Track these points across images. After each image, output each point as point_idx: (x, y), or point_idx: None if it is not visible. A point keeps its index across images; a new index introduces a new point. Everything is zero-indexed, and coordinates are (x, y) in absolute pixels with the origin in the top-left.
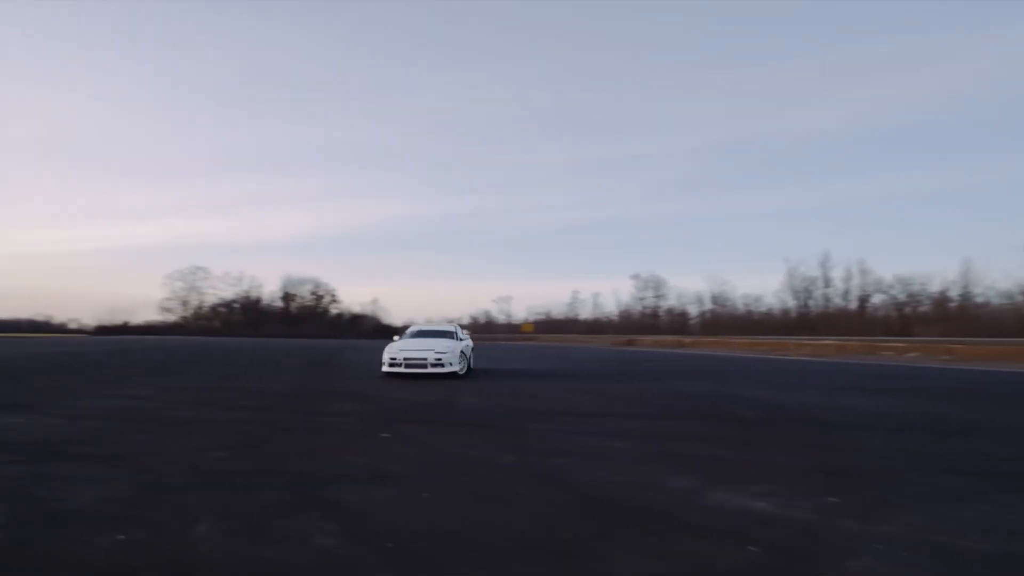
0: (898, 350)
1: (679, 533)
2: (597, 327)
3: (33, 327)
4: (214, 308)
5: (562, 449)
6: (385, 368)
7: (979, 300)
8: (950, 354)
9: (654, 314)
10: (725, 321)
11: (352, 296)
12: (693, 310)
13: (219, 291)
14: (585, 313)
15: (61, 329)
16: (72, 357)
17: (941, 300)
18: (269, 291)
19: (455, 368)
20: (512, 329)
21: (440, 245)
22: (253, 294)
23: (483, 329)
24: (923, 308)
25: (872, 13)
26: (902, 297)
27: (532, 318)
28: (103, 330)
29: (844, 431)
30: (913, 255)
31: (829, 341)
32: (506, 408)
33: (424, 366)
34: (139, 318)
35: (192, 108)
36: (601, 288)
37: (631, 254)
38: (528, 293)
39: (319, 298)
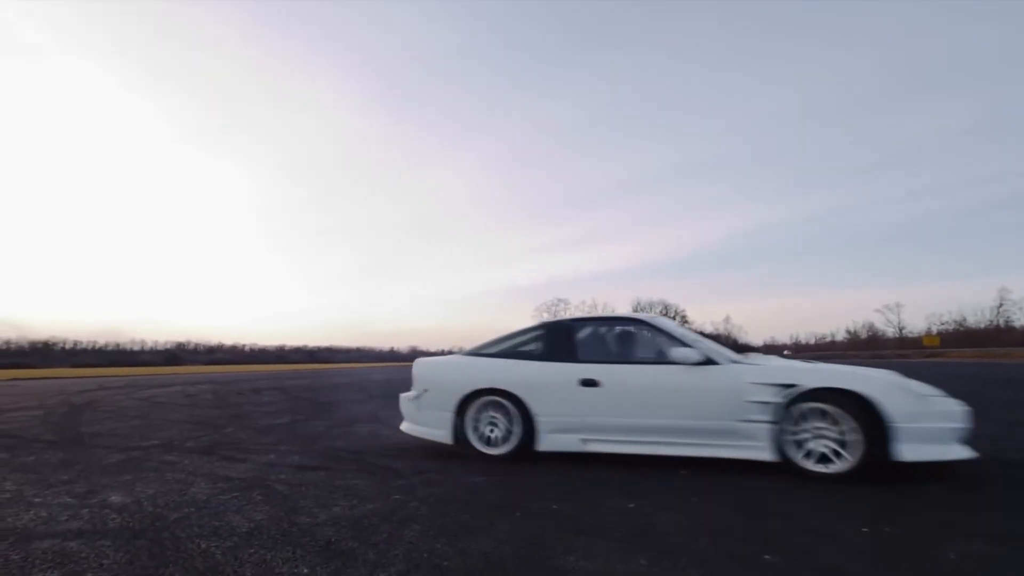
0: None
1: None
2: None
3: None
4: None
5: None
6: None
7: None
8: None
9: None
10: None
11: (703, 315)
12: None
13: None
14: (1021, 318)
15: None
16: None
17: None
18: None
19: None
20: (908, 344)
21: (800, 253)
22: None
23: (865, 345)
24: None
25: None
26: None
27: (936, 328)
28: None
29: None
30: None
31: None
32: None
33: None
34: None
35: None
36: None
37: None
38: (926, 297)
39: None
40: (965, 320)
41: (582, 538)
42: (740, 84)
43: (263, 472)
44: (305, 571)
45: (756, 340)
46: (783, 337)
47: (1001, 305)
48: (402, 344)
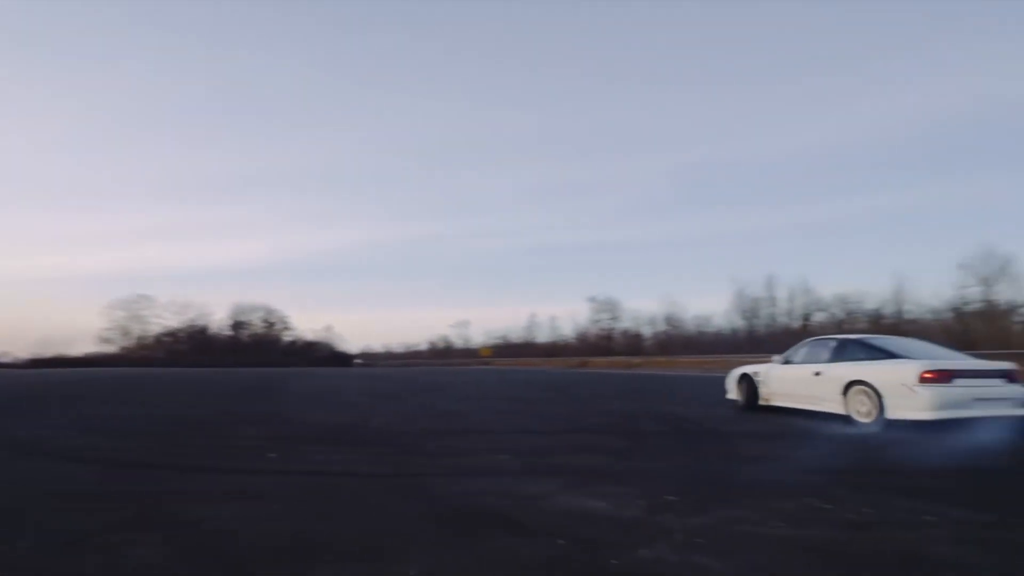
0: None
1: (506, 530)
2: (554, 350)
3: None
4: (158, 338)
5: (450, 465)
6: None
7: (909, 317)
8: None
9: (609, 336)
10: (677, 341)
11: (305, 323)
12: (647, 331)
13: (164, 320)
14: (542, 336)
15: None
16: None
17: (875, 317)
18: (218, 319)
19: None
20: (470, 354)
21: (396, 271)
22: (200, 322)
23: (441, 354)
24: (860, 325)
25: (822, 44)
26: (841, 315)
27: (490, 342)
28: (37, 363)
29: (727, 438)
30: (851, 275)
31: (777, 359)
32: (416, 428)
33: None
34: (77, 349)
35: (133, 132)
36: (558, 311)
37: (587, 278)
38: (486, 318)
39: (270, 326)
40: (508, 336)
41: None
42: (397, 106)
43: None
44: None
45: (354, 348)
46: (377, 346)
47: (530, 325)
48: None
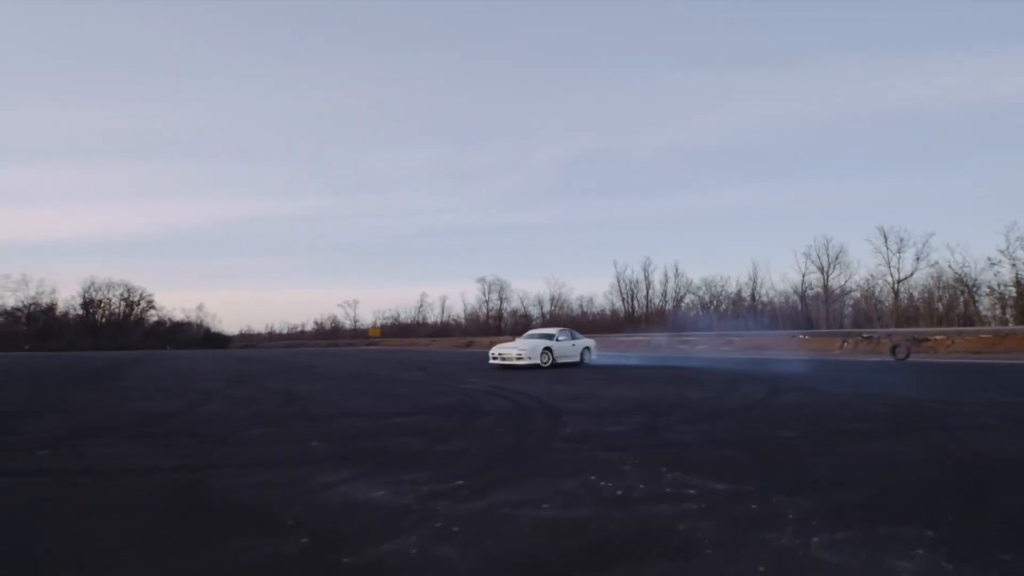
0: (692, 342)
1: (255, 528)
2: (444, 330)
3: None
4: None
5: (253, 455)
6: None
7: (764, 299)
8: (730, 344)
9: (498, 316)
10: (563, 321)
11: (174, 303)
12: (534, 311)
13: None
14: (433, 317)
15: None
16: None
17: (736, 299)
18: (66, 297)
19: (535, 360)
20: (359, 334)
21: (277, 249)
22: (43, 301)
23: (328, 335)
24: (722, 307)
25: (712, 42)
26: (707, 297)
27: (380, 322)
28: None
29: (558, 415)
30: (716, 260)
31: (640, 337)
32: (246, 414)
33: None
34: None
35: None
36: (449, 292)
37: (478, 259)
38: (377, 298)
39: (131, 305)
40: (399, 316)
41: None
42: (287, 77)
43: None
44: None
45: (232, 329)
46: (259, 327)
47: (421, 306)
48: None
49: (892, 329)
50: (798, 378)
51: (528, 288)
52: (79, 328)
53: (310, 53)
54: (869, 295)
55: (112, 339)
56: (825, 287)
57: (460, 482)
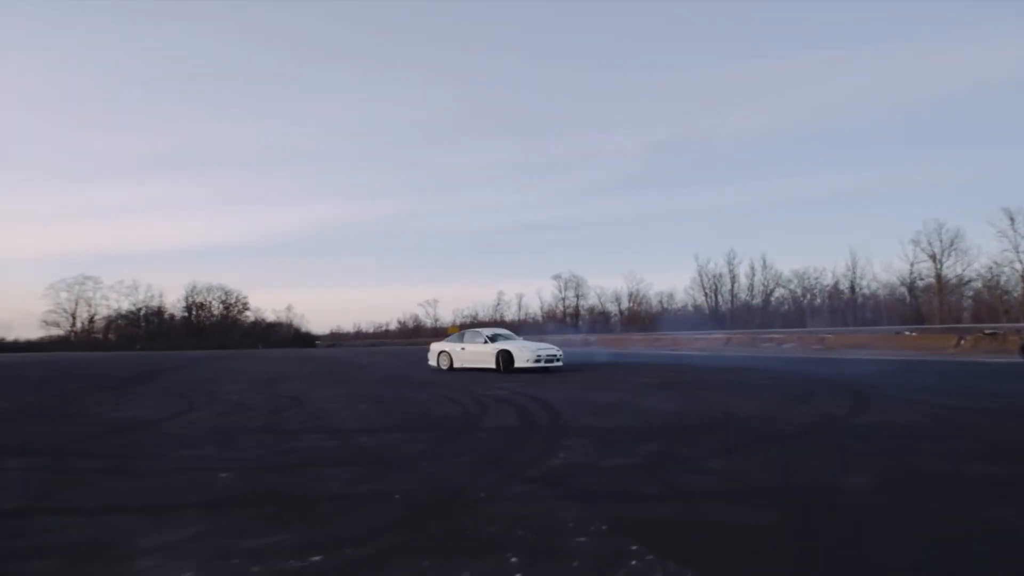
0: (777, 340)
1: None
2: (521, 327)
3: None
4: (109, 321)
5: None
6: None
7: (865, 292)
8: (821, 343)
9: (575, 313)
10: (642, 318)
11: (266, 304)
12: (612, 308)
13: (112, 302)
14: (510, 314)
15: None
16: None
17: (833, 292)
18: (171, 301)
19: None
20: (439, 333)
21: (362, 250)
22: (153, 304)
23: (411, 333)
24: (817, 301)
25: (799, 21)
26: (799, 291)
27: (458, 321)
28: None
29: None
30: (809, 251)
31: (718, 335)
32: (215, 425)
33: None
34: (17, 334)
35: (78, 108)
36: (526, 290)
37: (554, 256)
38: (455, 296)
39: (228, 307)
40: (477, 314)
41: None
42: (365, 86)
43: None
44: None
45: (322, 328)
46: (347, 326)
47: (498, 304)
48: None
49: (1022, 324)
50: (896, 386)
51: (605, 284)
52: (184, 329)
53: (384, 61)
54: (993, 285)
55: (213, 339)
56: (938, 277)
57: (317, 558)
